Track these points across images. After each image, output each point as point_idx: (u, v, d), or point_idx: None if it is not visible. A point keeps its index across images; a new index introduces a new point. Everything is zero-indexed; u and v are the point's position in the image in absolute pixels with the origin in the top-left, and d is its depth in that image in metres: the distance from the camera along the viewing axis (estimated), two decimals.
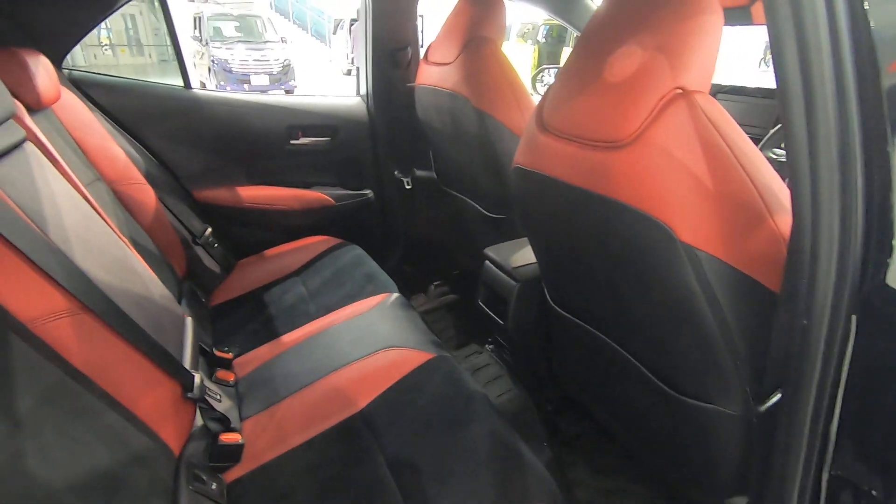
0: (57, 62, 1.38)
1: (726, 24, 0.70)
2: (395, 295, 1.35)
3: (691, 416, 0.86)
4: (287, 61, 9.07)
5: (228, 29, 9.46)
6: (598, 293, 0.94)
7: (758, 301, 0.70)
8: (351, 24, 9.55)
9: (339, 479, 0.85)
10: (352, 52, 9.18)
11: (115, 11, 1.40)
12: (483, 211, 1.57)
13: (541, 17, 10.14)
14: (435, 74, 1.47)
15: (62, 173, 0.95)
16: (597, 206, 0.75)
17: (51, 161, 0.93)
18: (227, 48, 8.85)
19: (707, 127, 0.65)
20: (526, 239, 1.39)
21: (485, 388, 1.36)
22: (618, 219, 0.72)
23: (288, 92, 8.58)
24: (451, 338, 1.83)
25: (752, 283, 0.69)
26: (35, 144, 0.91)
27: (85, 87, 1.49)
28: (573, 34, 1.84)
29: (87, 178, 1.21)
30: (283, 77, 8.92)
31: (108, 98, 1.52)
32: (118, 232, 1.02)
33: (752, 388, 0.77)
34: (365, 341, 1.15)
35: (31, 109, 1.09)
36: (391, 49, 1.74)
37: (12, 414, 0.57)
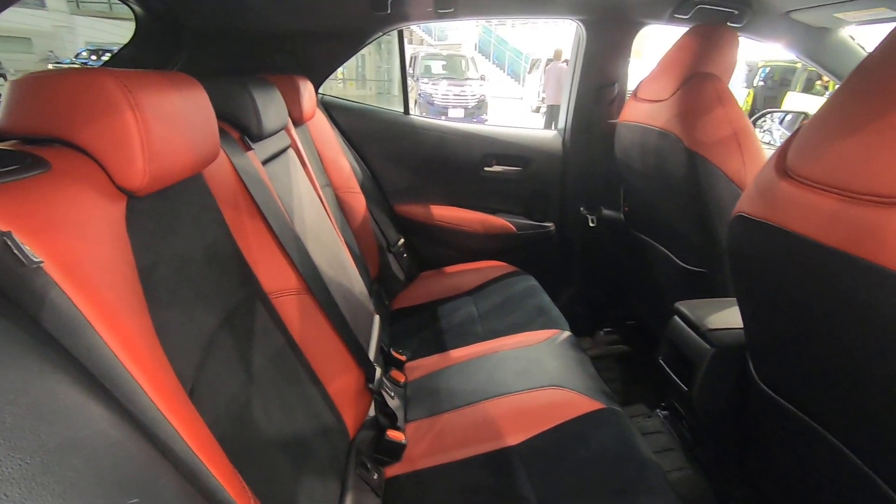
0: (316, 87, 1.69)
1: None
2: (566, 333, 1.30)
3: None
4: (482, 97, 9.73)
5: (437, 67, 10.57)
6: (835, 380, 0.76)
7: None
8: (546, 65, 9.87)
9: None
10: (543, 91, 9.41)
11: (363, 47, 1.66)
12: (677, 262, 1.42)
13: (759, 57, 9.05)
14: (644, 111, 1.39)
15: (308, 177, 1.14)
16: (859, 273, 0.60)
17: (302, 166, 1.13)
18: (432, 84, 9.86)
19: None
20: (726, 300, 1.21)
21: None
22: (890, 293, 0.57)
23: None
24: (616, 392, 1.69)
25: None
26: (294, 151, 1.12)
27: (330, 109, 1.79)
28: (801, 78, 1.58)
29: (321, 183, 1.44)
30: (476, 111, 9.58)
31: (345, 119, 1.80)
32: (338, 231, 1.19)
33: None
34: (531, 374, 1.12)
35: (295, 123, 1.34)
36: (598, 85, 1.72)
37: (250, 367, 0.68)
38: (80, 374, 0.36)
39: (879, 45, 0.65)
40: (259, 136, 0.96)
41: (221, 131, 0.80)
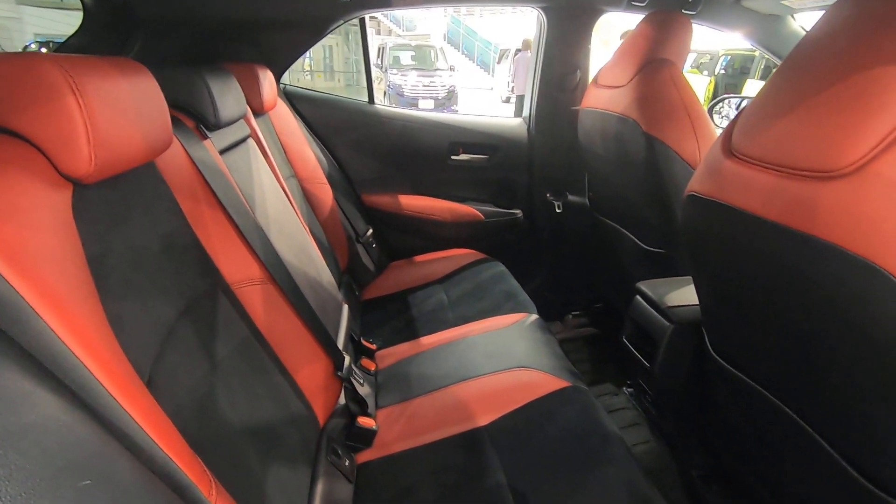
0: (278, 77, 1.66)
1: None
2: (534, 316, 1.33)
3: None
4: (452, 88, 9.71)
5: (405, 58, 10.48)
6: (781, 349, 0.80)
7: None
8: (515, 54, 9.91)
9: (460, 487, 0.85)
10: (512, 81, 9.44)
11: (325, 36, 1.64)
12: (639, 243, 1.47)
13: (720, 46, 9.30)
14: (604, 97, 1.42)
15: (270, 167, 1.13)
16: (796, 245, 0.64)
17: (264, 156, 1.12)
18: (402, 75, 9.78)
19: None
20: (685, 278, 1.26)
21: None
22: (824, 262, 0.61)
23: None
24: (584, 373, 1.73)
25: None
26: (255, 141, 1.11)
27: (293, 99, 1.76)
28: (760, 66, 1.65)
29: (286, 174, 1.42)
30: (446, 102, 9.55)
31: (309, 109, 1.78)
32: (303, 222, 1.18)
33: None
34: (499, 357, 1.15)
35: (255, 113, 1.32)
36: (560, 73, 1.74)
37: (213, 357, 0.68)
38: (26, 361, 0.36)
39: (811, 28, 0.69)
40: (216, 125, 0.94)
41: (176, 120, 0.78)
